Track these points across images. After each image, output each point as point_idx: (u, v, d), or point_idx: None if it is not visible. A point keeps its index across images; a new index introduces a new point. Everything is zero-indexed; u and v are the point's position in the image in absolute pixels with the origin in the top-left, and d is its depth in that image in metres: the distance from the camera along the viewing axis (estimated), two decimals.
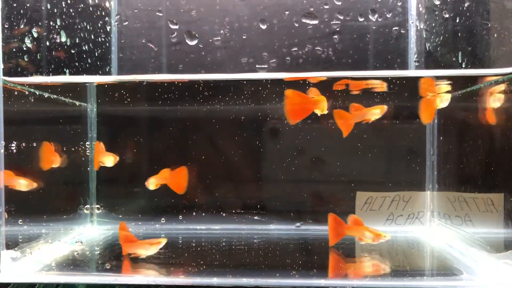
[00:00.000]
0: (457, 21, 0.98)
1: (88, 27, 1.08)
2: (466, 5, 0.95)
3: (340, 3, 1.10)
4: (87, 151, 1.15)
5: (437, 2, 1.05)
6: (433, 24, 1.08)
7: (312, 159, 1.15)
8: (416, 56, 1.13)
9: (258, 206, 1.16)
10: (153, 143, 1.17)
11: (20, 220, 0.87)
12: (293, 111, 0.92)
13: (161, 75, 1.14)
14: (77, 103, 1.13)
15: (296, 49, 1.12)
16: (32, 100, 0.93)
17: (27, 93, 0.91)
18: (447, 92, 0.98)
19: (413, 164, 1.13)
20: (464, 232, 0.97)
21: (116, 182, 1.19)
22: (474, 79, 0.93)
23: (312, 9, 1.10)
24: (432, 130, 1.12)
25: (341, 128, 0.96)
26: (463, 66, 0.96)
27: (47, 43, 0.94)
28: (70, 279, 0.78)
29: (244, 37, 1.12)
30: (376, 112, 0.96)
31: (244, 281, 0.77)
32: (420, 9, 1.12)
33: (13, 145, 0.84)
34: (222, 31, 1.12)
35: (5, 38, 0.82)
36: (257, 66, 1.12)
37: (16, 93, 0.87)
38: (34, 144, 0.93)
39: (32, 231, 0.91)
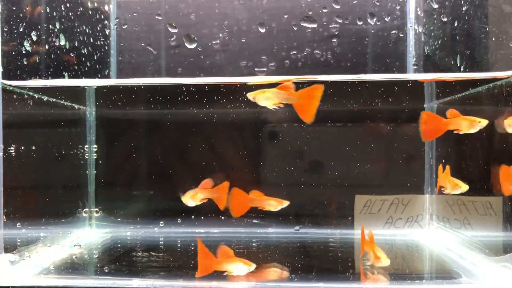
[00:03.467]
0: (456, 24, 0.99)
1: (87, 31, 1.08)
2: (464, 8, 0.95)
3: (339, 7, 1.10)
4: (86, 155, 1.15)
5: (436, 6, 1.05)
6: (432, 28, 1.08)
7: (311, 162, 1.15)
8: (414, 59, 1.13)
9: (257, 209, 1.15)
10: (152, 146, 1.17)
11: (18, 224, 0.87)
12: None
13: (160, 78, 1.14)
14: (76, 106, 1.13)
15: (295, 52, 1.12)
16: (31, 103, 0.93)
17: (26, 96, 0.91)
18: None
19: (412, 167, 1.13)
20: (463, 235, 0.97)
21: (114, 186, 1.18)
22: (473, 82, 0.93)
23: (311, 13, 1.11)
24: None
25: (424, 132, 0.87)
26: (462, 69, 0.96)
27: (46, 46, 0.94)
28: (69, 282, 0.78)
29: (243, 40, 1.12)
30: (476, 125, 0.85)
31: (243, 284, 0.77)
32: (419, 12, 1.12)
33: (12, 148, 0.84)
34: (221, 35, 1.12)
35: (4, 41, 0.82)
36: (256, 69, 1.12)
37: (15, 96, 0.87)
38: (33, 147, 0.93)
39: (30, 234, 0.91)
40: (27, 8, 0.89)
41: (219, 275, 0.79)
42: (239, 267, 0.78)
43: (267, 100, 0.82)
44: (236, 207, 0.90)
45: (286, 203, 0.93)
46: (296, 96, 0.82)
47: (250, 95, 0.84)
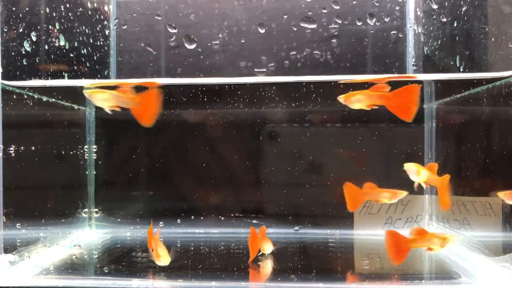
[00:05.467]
0: (455, 25, 0.99)
1: (87, 31, 1.08)
2: (463, 9, 0.95)
3: (338, 7, 1.11)
4: (86, 155, 1.15)
5: (435, 6, 1.05)
6: (431, 28, 1.09)
7: (310, 162, 1.15)
8: (414, 60, 1.13)
9: (257, 209, 1.16)
10: (151, 147, 1.17)
11: (18, 224, 0.87)
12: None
13: (160, 78, 1.14)
14: (76, 106, 1.13)
15: (294, 53, 1.12)
16: (31, 104, 0.93)
17: (25, 96, 0.91)
18: None
19: None
20: (462, 236, 0.97)
21: (114, 186, 1.18)
22: (472, 83, 0.93)
23: (310, 13, 1.11)
24: (430, 133, 1.13)
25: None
26: (461, 70, 0.96)
27: (46, 47, 0.94)
28: (68, 283, 0.78)
29: (242, 41, 1.12)
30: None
31: (243, 284, 0.77)
32: (418, 13, 1.12)
33: (11, 148, 0.84)
34: (220, 35, 1.12)
35: (4, 41, 0.82)
36: (255, 69, 1.13)
37: (14, 96, 0.87)
38: (33, 148, 0.93)
39: (30, 235, 0.91)
40: (50, 32, 0.91)
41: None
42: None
43: (104, 101, 0.80)
44: (350, 201, 0.88)
45: (403, 194, 0.88)
46: (134, 101, 0.81)
47: (87, 92, 0.81)
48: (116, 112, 1.16)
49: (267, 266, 0.89)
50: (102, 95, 0.80)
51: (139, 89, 0.82)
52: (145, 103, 0.80)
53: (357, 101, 0.82)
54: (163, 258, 0.79)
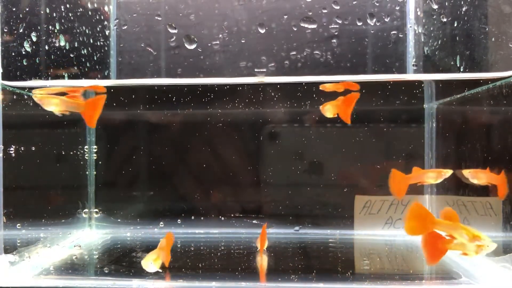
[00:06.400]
0: (455, 25, 0.99)
1: (87, 31, 1.08)
2: (464, 9, 0.95)
3: (338, 8, 1.11)
4: (86, 155, 1.15)
5: (435, 7, 1.05)
6: (431, 28, 1.09)
7: (310, 162, 1.15)
8: (414, 60, 1.13)
9: (257, 210, 1.16)
10: (151, 147, 1.17)
11: (18, 224, 0.87)
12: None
13: (160, 79, 1.14)
14: None
15: (294, 53, 1.12)
16: (31, 104, 0.93)
17: (25, 96, 0.91)
18: None
19: (411, 167, 1.13)
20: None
21: (114, 186, 1.18)
22: (472, 83, 0.93)
23: (310, 13, 1.11)
24: (430, 133, 1.13)
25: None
26: (461, 70, 0.96)
27: (46, 47, 0.94)
28: (69, 283, 0.78)
29: (242, 41, 1.12)
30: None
31: (243, 285, 0.77)
32: (418, 13, 1.12)
33: (11, 149, 0.84)
34: (221, 35, 1.12)
35: (4, 42, 0.83)
36: (255, 70, 1.13)
37: (14, 96, 0.88)
38: (33, 148, 0.93)
39: (30, 235, 0.91)
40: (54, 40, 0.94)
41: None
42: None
43: (54, 106, 0.85)
44: (395, 187, 0.89)
45: (448, 173, 0.87)
46: (83, 105, 0.87)
47: (36, 97, 0.86)
48: (116, 112, 1.17)
49: (268, 265, 0.89)
50: (53, 101, 0.85)
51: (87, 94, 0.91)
52: (91, 107, 0.88)
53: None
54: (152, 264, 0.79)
